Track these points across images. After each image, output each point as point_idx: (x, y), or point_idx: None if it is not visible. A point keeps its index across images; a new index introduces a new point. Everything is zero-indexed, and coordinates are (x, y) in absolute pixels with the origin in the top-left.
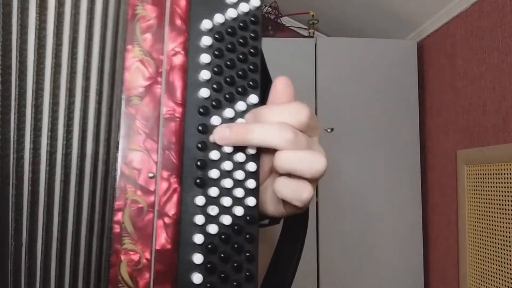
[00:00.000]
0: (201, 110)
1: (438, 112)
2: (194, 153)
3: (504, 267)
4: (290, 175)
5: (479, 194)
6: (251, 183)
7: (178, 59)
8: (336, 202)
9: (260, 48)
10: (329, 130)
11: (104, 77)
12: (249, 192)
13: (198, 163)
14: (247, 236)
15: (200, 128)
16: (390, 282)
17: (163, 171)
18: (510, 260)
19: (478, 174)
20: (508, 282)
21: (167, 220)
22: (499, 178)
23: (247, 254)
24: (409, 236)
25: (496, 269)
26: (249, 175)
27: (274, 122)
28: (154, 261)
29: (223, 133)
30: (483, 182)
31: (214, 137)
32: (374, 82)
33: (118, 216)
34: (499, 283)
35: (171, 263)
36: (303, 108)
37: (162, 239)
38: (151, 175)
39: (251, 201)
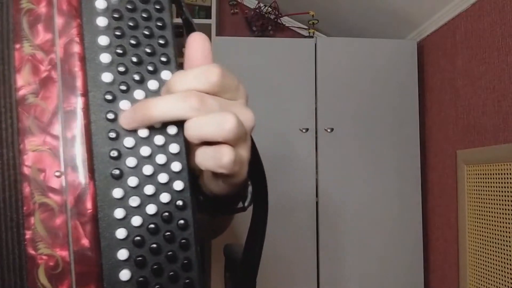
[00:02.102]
0: (108, 96)
1: (438, 112)
2: (106, 143)
3: (504, 267)
4: (208, 143)
5: (479, 194)
6: (175, 166)
7: (73, 47)
8: (335, 202)
9: (169, 19)
10: (329, 130)
11: (6, 80)
12: (174, 176)
13: (112, 153)
14: (180, 222)
15: (108, 116)
16: (390, 282)
17: (70, 168)
18: (510, 260)
19: (478, 174)
20: (508, 282)
21: (82, 218)
22: (499, 178)
23: (183, 241)
24: (409, 236)
25: (496, 269)
26: (172, 158)
27: (182, 90)
28: (73, 262)
29: (126, 116)
30: (483, 182)
31: (120, 122)
32: (374, 82)
33: (29, 221)
34: (499, 283)
35: (93, 263)
36: (212, 68)
37: (80, 239)
38: (57, 173)
39: (178, 185)
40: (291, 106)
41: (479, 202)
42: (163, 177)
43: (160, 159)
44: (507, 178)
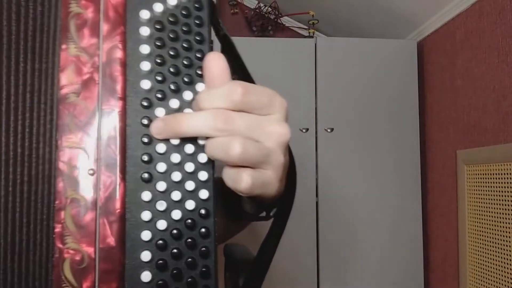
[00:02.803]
0: (144, 103)
1: (438, 112)
2: (139, 147)
3: (504, 267)
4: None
5: (479, 194)
6: (203, 175)
7: (116, 53)
8: (336, 201)
9: (208, 34)
10: (329, 130)
11: (34, 77)
12: (201, 185)
13: (144, 157)
14: (202, 230)
15: (144, 121)
16: (390, 282)
17: (104, 167)
18: (510, 260)
19: (478, 174)
20: (508, 282)
21: (111, 217)
22: (499, 178)
23: (203, 249)
24: (409, 236)
25: (496, 269)
26: (200, 167)
27: (208, 108)
28: (98, 259)
29: (157, 126)
30: (483, 182)
31: (151, 130)
32: (374, 82)
33: (60, 216)
34: (499, 283)
35: (117, 262)
36: (233, 87)
37: (106, 237)
38: (91, 171)
39: (203, 194)
40: (291, 106)
41: (479, 202)
42: (190, 185)
43: (189, 167)
44: (507, 178)
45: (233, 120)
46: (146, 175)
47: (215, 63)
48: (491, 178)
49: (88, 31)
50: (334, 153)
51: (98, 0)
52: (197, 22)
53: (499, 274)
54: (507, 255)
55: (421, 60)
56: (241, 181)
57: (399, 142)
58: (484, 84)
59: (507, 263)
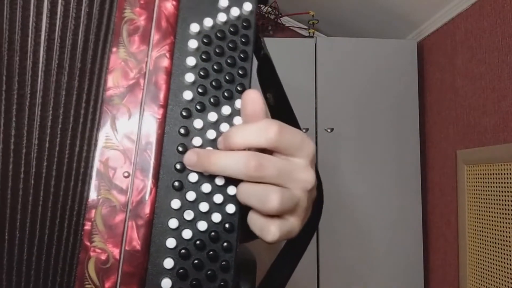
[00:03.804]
0: (184, 112)
1: (438, 112)
2: (174, 155)
3: (504, 267)
4: None
5: (479, 194)
6: (231, 190)
7: (163, 62)
8: (335, 202)
9: (251, 52)
10: (329, 130)
11: (85, 76)
12: (228, 199)
13: (177, 166)
14: (225, 244)
15: (181, 130)
16: (390, 282)
17: (139, 171)
18: (510, 260)
19: (478, 174)
20: (508, 282)
21: (139, 221)
22: (499, 178)
23: (223, 263)
24: (409, 236)
25: (496, 269)
26: (229, 181)
27: (246, 143)
28: (122, 261)
29: (190, 159)
30: (483, 182)
31: (184, 160)
32: (374, 82)
33: (90, 214)
34: (499, 283)
35: (140, 265)
36: (270, 125)
37: (133, 240)
38: (126, 174)
39: (230, 208)
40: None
41: (479, 202)
42: (218, 198)
43: (219, 180)
44: (507, 178)
45: (264, 167)
46: (177, 184)
47: (253, 102)
48: (491, 178)
49: (139, 38)
50: (334, 153)
51: (152, 9)
52: (243, 40)
53: (499, 274)
54: (507, 255)
55: (421, 60)
56: (269, 233)
57: (399, 142)
58: (484, 84)
59: (507, 263)
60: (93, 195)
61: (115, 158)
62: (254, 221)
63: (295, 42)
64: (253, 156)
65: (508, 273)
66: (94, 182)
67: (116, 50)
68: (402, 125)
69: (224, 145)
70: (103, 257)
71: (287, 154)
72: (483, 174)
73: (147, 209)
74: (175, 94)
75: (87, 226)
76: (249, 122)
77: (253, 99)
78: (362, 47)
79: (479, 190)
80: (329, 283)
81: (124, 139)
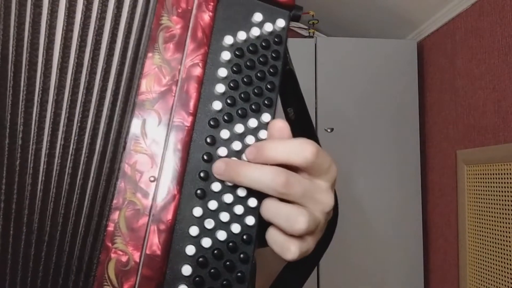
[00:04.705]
0: (212, 122)
1: (438, 112)
2: (199, 163)
3: (504, 267)
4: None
5: (479, 194)
6: (252, 202)
7: (195, 71)
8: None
9: (281, 68)
10: (329, 130)
11: (122, 80)
12: (249, 211)
13: (201, 174)
14: (241, 255)
15: (208, 139)
16: (390, 282)
17: (164, 176)
18: (510, 260)
19: (478, 174)
20: (508, 282)
21: (161, 226)
22: (499, 178)
23: (239, 275)
24: (409, 236)
25: (496, 269)
26: (250, 193)
27: (274, 160)
28: (142, 265)
29: (219, 167)
30: (483, 182)
31: (213, 169)
32: (374, 82)
33: (114, 215)
34: (499, 283)
35: (158, 270)
36: (308, 145)
37: (153, 244)
38: (152, 179)
39: (250, 220)
40: None
41: (479, 202)
42: (239, 209)
43: (241, 192)
44: (507, 178)
45: (292, 185)
46: (200, 192)
47: (281, 131)
48: (491, 178)
49: (174, 46)
50: (334, 153)
51: (188, 18)
52: (274, 55)
53: (499, 274)
54: (507, 255)
55: (421, 60)
56: (290, 252)
57: (399, 142)
58: (484, 84)
59: (507, 263)
60: (119, 197)
61: (142, 162)
62: (275, 238)
63: (295, 42)
64: (283, 172)
65: (508, 273)
66: (120, 184)
67: (152, 56)
68: (402, 125)
69: (255, 156)
70: (124, 259)
71: (313, 175)
72: (483, 174)
73: (169, 215)
74: (205, 104)
75: (110, 227)
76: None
77: (280, 128)
78: (362, 47)
79: (479, 190)
80: (329, 283)
81: (152, 144)
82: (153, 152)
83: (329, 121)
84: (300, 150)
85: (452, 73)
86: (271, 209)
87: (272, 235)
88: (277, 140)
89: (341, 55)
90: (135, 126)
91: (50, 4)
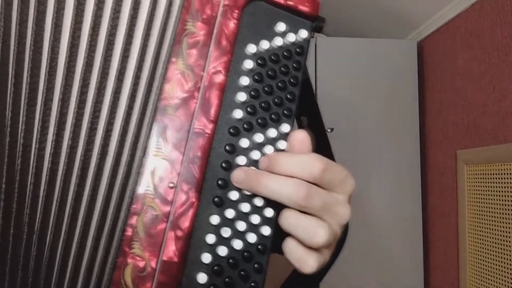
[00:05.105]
0: (232, 130)
1: (438, 112)
2: (218, 171)
3: (504, 267)
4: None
5: (479, 194)
6: (269, 212)
7: (218, 78)
8: None
9: (301, 78)
10: (329, 130)
11: (139, 83)
12: (265, 221)
13: (220, 182)
14: (256, 265)
15: (227, 147)
16: (390, 282)
17: (184, 183)
18: (510, 260)
19: (478, 174)
20: (508, 282)
21: (179, 232)
22: (499, 178)
23: (252, 284)
24: (409, 236)
25: (496, 269)
26: (267, 204)
27: (288, 173)
28: (158, 271)
29: (239, 176)
30: (483, 182)
31: (232, 177)
32: (374, 82)
33: (133, 220)
34: (499, 283)
35: (174, 277)
36: (315, 161)
37: (170, 251)
38: (171, 185)
39: (265, 230)
40: None
41: (479, 202)
42: (256, 219)
43: (258, 201)
44: (507, 178)
45: (312, 198)
46: (217, 200)
47: (302, 143)
48: (491, 178)
49: (197, 52)
50: (334, 153)
51: (213, 25)
52: (295, 65)
53: (499, 274)
54: (507, 255)
55: (421, 60)
56: (307, 265)
57: (399, 142)
58: (484, 84)
59: (507, 263)
60: (138, 202)
61: (162, 167)
62: (293, 250)
63: None
64: (304, 185)
65: (508, 273)
66: (140, 189)
67: (175, 61)
68: (402, 125)
69: (268, 169)
70: (141, 264)
71: (329, 189)
72: (483, 174)
73: (187, 222)
74: (226, 111)
75: (129, 232)
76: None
77: (301, 140)
78: (362, 47)
79: (479, 190)
80: (329, 283)
81: (173, 150)
82: (173, 158)
83: (329, 121)
84: (308, 166)
85: (452, 73)
86: (291, 220)
87: (290, 247)
88: (289, 154)
89: (341, 55)
90: (156, 131)
91: (56, 2)
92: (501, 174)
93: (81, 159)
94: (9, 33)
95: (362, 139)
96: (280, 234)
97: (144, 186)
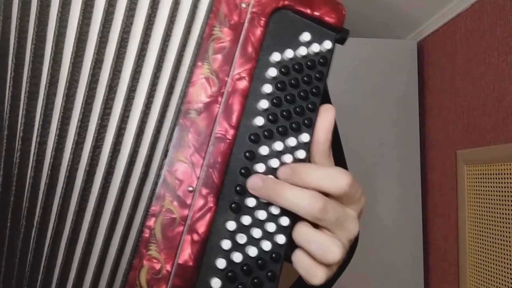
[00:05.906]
0: (252, 137)
1: (438, 112)
2: (236, 177)
3: (504, 267)
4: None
5: (479, 194)
6: (284, 221)
7: (242, 84)
8: None
9: (323, 88)
10: None
11: (159, 84)
12: (280, 229)
13: (238, 188)
14: (269, 273)
15: (247, 154)
16: (390, 282)
17: (203, 187)
18: (510, 260)
19: (478, 174)
20: (508, 282)
21: (195, 237)
22: (499, 178)
23: None
24: (409, 236)
25: (496, 269)
26: (283, 212)
27: (305, 185)
28: (173, 274)
29: (256, 183)
30: (483, 182)
31: (248, 183)
32: (374, 82)
33: (151, 222)
34: (499, 283)
35: (189, 281)
36: (343, 175)
37: (186, 254)
38: (190, 188)
39: (280, 239)
40: None
41: (479, 202)
42: (271, 227)
43: (275, 210)
44: (507, 178)
45: (327, 211)
46: (234, 206)
47: (327, 119)
48: (491, 178)
49: (222, 57)
50: None
51: (239, 31)
52: (318, 76)
53: (499, 274)
54: (507, 255)
55: (421, 60)
56: (316, 278)
57: (399, 142)
58: (484, 84)
59: (507, 263)
60: (157, 204)
61: (183, 170)
62: (302, 262)
63: None
64: (321, 198)
65: (508, 273)
66: (160, 191)
67: (201, 65)
68: (402, 125)
69: (289, 177)
70: (157, 267)
71: (344, 204)
72: (483, 174)
73: (204, 226)
74: (247, 118)
75: (146, 234)
76: (316, 141)
77: (327, 120)
78: (362, 47)
79: (479, 190)
80: None
81: (194, 154)
82: (193, 161)
83: None
84: (336, 179)
85: (452, 73)
86: (306, 236)
87: (300, 259)
88: (314, 165)
89: (341, 55)
90: (179, 134)
91: None
92: (501, 174)
93: (89, 155)
94: (8, 26)
95: (362, 138)
96: (289, 243)
97: (164, 188)
